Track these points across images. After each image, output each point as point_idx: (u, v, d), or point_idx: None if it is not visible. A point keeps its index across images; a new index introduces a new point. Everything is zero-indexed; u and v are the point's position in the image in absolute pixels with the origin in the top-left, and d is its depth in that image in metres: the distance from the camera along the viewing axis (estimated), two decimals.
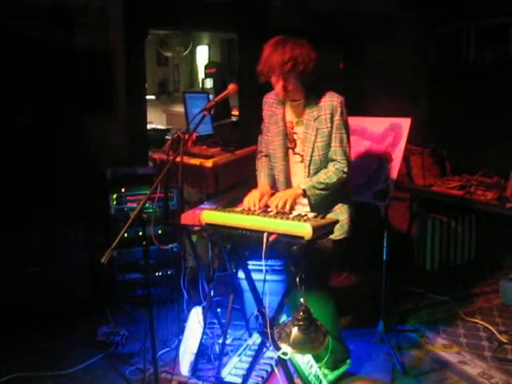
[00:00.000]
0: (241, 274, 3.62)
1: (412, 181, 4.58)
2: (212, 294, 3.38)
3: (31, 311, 3.72)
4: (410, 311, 3.96)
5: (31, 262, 3.81)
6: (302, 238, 2.28)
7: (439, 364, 3.28)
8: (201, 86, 9.21)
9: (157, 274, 4.10)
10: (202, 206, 3.03)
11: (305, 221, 2.32)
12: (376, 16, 5.03)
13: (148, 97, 9.53)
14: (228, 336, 3.52)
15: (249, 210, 2.57)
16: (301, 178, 2.78)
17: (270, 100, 2.89)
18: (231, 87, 2.74)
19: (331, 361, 2.97)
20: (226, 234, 2.49)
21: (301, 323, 2.39)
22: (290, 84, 2.63)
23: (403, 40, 5.22)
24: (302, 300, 2.42)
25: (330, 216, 2.72)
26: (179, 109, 9.63)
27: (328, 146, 2.74)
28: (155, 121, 9.79)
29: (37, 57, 4.09)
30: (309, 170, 2.76)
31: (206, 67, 9.24)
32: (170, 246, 3.51)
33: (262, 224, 2.39)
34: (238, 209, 2.59)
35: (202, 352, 3.30)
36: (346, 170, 2.75)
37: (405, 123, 3.37)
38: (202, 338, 3.16)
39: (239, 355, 3.30)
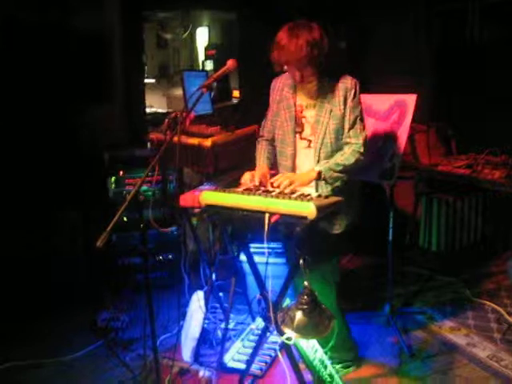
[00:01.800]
0: (243, 257, 3.55)
1: (417, 160, 4.48)
2: (214, 277, 3.31)
3: (30, 298, 3.64)
4: (417, 293, 3.88)
5: (29, 248, 3.73)
6: (305, 218, 2.18)
7: (447, 347, 3.21)
8: (201, 68, 9.07)
9: (157, 258, 4.01)
10: (202, 187, 2.94)
11: (308, 200, 2.22)
12: None
13: (148, 80, 9.41)
14: (231, 320, 3.45)
15: (250, 189, 2.47)
16: (308, 164, 2.68)
17: (279, 85, 2.81)
18: (230, 63, 2.62)
19: (338, 357, 2.92)
20: (226, 215, 2.39)
21: (305, 307, 2.30)
22: (307, 71, 2.57)
23: (407, 17, 5.08)
24: (305, 283, 2.33)
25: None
26: (179, 92, 9.50)
27: (340, 129, 2.65)
28: (156, 104, 9.65)
29: (31, 41, 3.96)
30: (319, 154, 2.67)
31: (206, 49, 9.09)
32: (170, 229, 3.42)
33: (263, 204, 2.28)
34: (239, 189, 2.49)
35: (204, 337, 3.23)
36: (362, 150, 2.65)
37: (410, 100, 3.25)
38: (203, 323, 3.09)
39: (242, 340, 3.24)
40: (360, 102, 2.66)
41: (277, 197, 2.30)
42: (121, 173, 3.84)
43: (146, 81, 9.24)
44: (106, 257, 3.87)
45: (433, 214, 4.62)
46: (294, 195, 2.34)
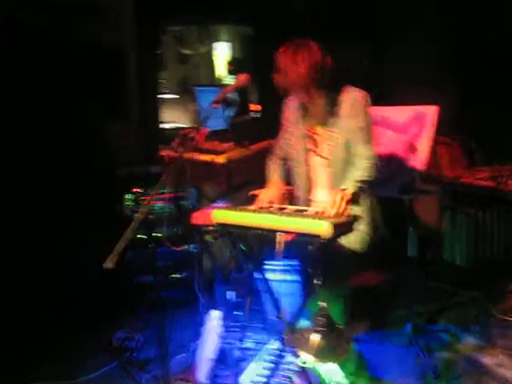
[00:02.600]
0: (260, 275, 3.47)
1: (440, 172, 4.35)
2: (229, 295, 3.24)
3: (43, 317, 3.61)
4: (440, 310, 3.75)
5: (43, 265, 3.71)
6: (318, 236, 2.10)
7: (474, 367, 3.07)
8: (222, 82, 9.05)
9: (173, 275, 3.95)
10: (215, 204, 2.88)
11: (322, 218, 2.14)
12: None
13: (170, 96, 9.43)
14: (248, 340, 3.37)
15: (262, 207, 2.40)
16: (325, 180, 2.61)
17: (291, 103, 2.77)
18: (242, 78, 2.59)
19: None
20: (238, 233, 2.33)
21: (321, 329, 2.22)
22: (312, 92, 2.54)
23: (430, 25, 4.96)
24: (322, 304, 2.25)
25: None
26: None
27: (349, 143, 2.57)
28: (179, 120, 9.64)
29: (44, 53, 3.96)
30: (330, 170, 2.59)
31: (228, 64, 9.08)
32: (184, 247, 3.36)
33: (276, 223, 2.22)
34: (251, 207, 2.43)
35: (221, 357, 3.15)
36: (375, 163, 2.57)
37: (430, 111, 3.16)
38: (219, 344, 3.01)
39: (259, 361, 3.14)
40: (368, 113, 2.58)
41: (289, 215, 2.23)
42: (136, 190, 3.80)
43: (169, 96, 9.30)
44: (121, 274, 3.82)
45: (457, 227, 4.47)
46: (309, 213, 2.27)
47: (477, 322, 3.55)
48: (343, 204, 2.31)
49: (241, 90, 4.94)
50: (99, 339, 3.52)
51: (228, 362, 3.16)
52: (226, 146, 2.92)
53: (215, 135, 3.16)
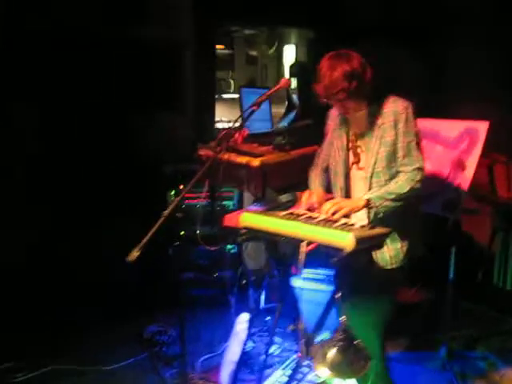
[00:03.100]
0: (296, 282, 3.44)
1: (494, 192, 4.16)
2: (261, 300, 3.23)
3: (83, 304, 3.72)
4: (482, 336, 3.58)
5: (87, 255, 3.82)
6: (342, 249, 2.05)
7: None
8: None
9: (212, 275, 3.97)
10: (250, 207, 2.87)
11: (348, 230, 2.08)
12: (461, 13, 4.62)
13: (231, 96, 9.51)
14: (277, 346, 3.34)
15: (291, 214, 2.36)
16: (363, 193, 2.52)
17: (334, 113, 2.69)
18: (283, 81, 2.56)
19: None
20: (263, 238, 2.31)
21: (339, 343, 2.17)
22: (348, 103, 2.45)
23: (490, 39, 4.75)
24: (341, 318, 2.19)
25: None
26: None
27: (391, 156, 2.46)
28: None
29: (103, 51, 4.08)
30: (370, 183, 2.49)
31: (291, 67, 9.06)
32: (218, 247, 3.37)
33: (300, 231, 2.18)
34: (282, 213, 2.39)
35: (247, 362, 3.14)
36: (417, 178, 2.43)
37: (482, 127, 3.02)
38: (244, 347, 2.99)
39: (284, 369, 3.11)
40: (415, 126, 2.46)
41: (316, 224, 2.18)
42: (181, 186, 3.84)
43: (230, 96, 9.39)
44: (161, 270, 3.88)
45: (509, 250, 4.27)
46: (337, 224, 2.21)
47: None
48: (331, 211, 2.28)
49: (306, 95, 4.91)
50: (134, 330, 3.58)
51: (253, 367, 3.16)
52: (263, 149, 2.90)
53: (257, 137, 3.15)
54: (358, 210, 2.41)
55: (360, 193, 2.54)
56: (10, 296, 3.64)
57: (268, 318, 3.32)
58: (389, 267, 2.49)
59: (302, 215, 2.36)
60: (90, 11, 4.05)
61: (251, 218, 2.35)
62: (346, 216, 2.34)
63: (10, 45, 3.82)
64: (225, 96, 8.93)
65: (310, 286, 3.34)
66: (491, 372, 3.16)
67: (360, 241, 2.04)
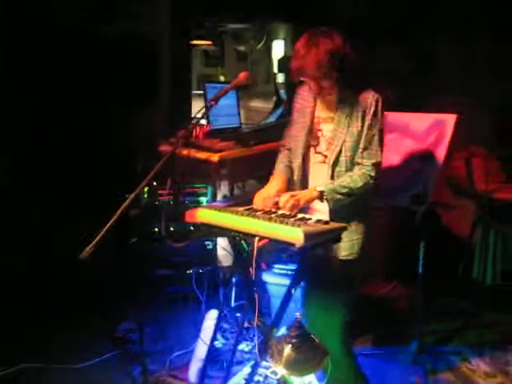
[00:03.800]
0: (268, 278, 3.42)
1: (472, 185, 4.13)
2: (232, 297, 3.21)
3: (54, 299, 3.71)
4: (457, 330, 3.55)
5: (59, 249, 3.80)
6: (293, 244, 2.02)
7: None
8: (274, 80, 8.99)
9: (188, 271, 3.94)
10: (215, 203, 2.84)
11: (298, 225, 2.05)
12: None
13: (198, 91, 9.44)
14: (248, 343, 3.32)
15: (250, 209, 2.33)
16: (322, 180, 2.48)
17: (302, 92, 2.62)
18: (241, 75, 2.52)
19: None
20: (217, 235, 2.29)
21: (293, 340, 2.13)
22: (325, 82, 2.38)
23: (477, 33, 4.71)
24: (296, 314, 2.16)
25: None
26: (256, 104, 9.55)
27: (356, 147, 2.43)
28: None
29: (78, 46, 4.05)
30: (332, 171, 2.45)
31: (279, 61, 9.01)
32: (185, 243, 3.35)
33: (253, 227, 2.15)
34: (241, 208, 2.36)
35: (216, 358, 3.12)
36: (372, 174, 2.41)
37: (450, 119, 2.99)
38: (212, 344, 2.97)
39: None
40: (382, 120, 2.42)
41: (268, 220, 2.15)
42: (154, 183, 3.81)
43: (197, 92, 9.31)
44: (136, 266, 3.86)
45: (489, 243, 4.24)
46: (293, 219, 2.18)
47: (493, 348, 3.34)
48: (288, 205, 2.26)
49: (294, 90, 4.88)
50: (106, 328, 3.57)
51: (222, 364, 3.14)
52: (224, 144, 2.86)
53: (224, 133, 3.12)
54: (312, 201, 2.39)
55: (318, 176, 2.51)
56: None
57: (238, 314, 3.29)
58: (344, 258, 2.46)
59: (260, 210, 2.34)
60: (65, 7, 4.03)
61: (207, 214, 2.32)
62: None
63: None
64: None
65: (281, 281, 3.33)
66: (462, 366, 3.14)
67: (310, 236, 2.01)
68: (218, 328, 2.97)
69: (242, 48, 9.78)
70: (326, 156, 2.50)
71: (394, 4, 4.78)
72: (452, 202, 4.37)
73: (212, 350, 2.99)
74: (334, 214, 2.40)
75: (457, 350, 3.30)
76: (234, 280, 3.23)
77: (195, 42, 8.50)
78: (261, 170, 2.97)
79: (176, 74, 4.37)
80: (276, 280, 3.34)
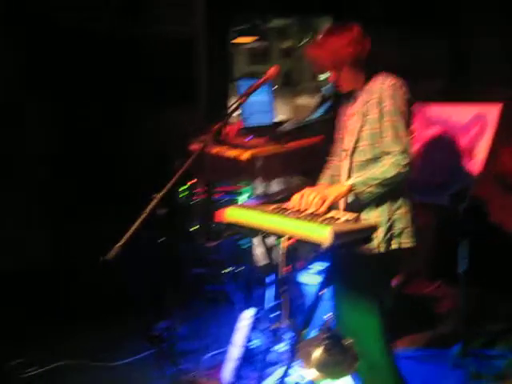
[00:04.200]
0: (304, 278, 3.35)
1: None
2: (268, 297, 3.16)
3: (93, 297, 3.76)
4: (504, 333, 3.38)
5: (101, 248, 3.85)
6: (320, 244, 1.96)
7: None
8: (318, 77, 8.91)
9: (225, 270, 3.91)
10: (247, 201, 2.80)
11: (326, 224, 1.99)
12: None
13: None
14: (282, 344, 3.26)
15: (280, 208, 2.28)
16: (343, 176, 2.41)
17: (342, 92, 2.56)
18: (271, 70, 2.46)
19: None
20: (246, 234, 2.25)
21: (323, 343, 2.08)
22: (341, 75, 2.37)
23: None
24: (327, 316, 2.10)
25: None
26: (304, 100, 9.48)
27: (377, 135, 2.31)
28: (279, 113, 9.62)
29: (114, 45, 4.09)
30: (351, 161, 2.37)
31: None
32: (217, 242, 3.32)
33: (281, 226, 2.10)
34: (271, 207, 2.31)
35: (250, 359, 3.08)
36: (405, 162, 2.26)
37: (492, 112, 2.85)
38: (247, 344, 2.94)
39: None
40: (403, 105, 2.30)
41: (297, 218, 2.09)
42: (191, 182, 3.80)
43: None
44: (176, 265, 3.86)
45: None
46: (322, 217, 2.11)
47: None
48: (315, 202, 2.16)
49: None
50: (144, 326, 3.58)
51: (257, 364, 3.09)
52: (256, 141, 2.81)
53: (258, 130, 3.07)
54: (343, 197, 2.30)
55: (344, 174, 2.43)
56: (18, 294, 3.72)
57: (272, 314, 3.23)
58: (377, 251, 2.33)
59: (290, 209, 2.28)
60: (100, 9, 4.08)
61: (235, 213, 2.28)
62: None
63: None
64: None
65: (316, 281, 3.25)
66: (509, 372, 2.98)
67: (339, 235, 1.93)
68: (252, 328, 2.94)
69: (286, 45, 9.74)
70: (346, 150, 2.43)
71: None
72: (501, 199, 4.19)
73: (247, 350, 2.97)
74: (350, 208, 2.32)
75: (503, 353, 3.15)
76: (268, 279, 3.17)
77: (239, 39, 8.54)
78: (296, 167, 2.92)
79: (214, 72, 4.34)
80: (311, 280, 3.28)
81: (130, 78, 4.13)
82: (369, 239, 2.17)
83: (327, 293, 2.52)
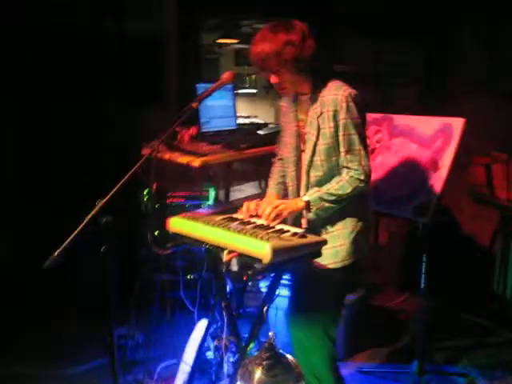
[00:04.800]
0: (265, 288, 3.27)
1: (492, 193, 3.88)
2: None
3: (48, 300, 3.63)
4: (468, 349, 3.32)
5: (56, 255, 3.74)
6: (260, 260, 1.87)
7: None
8: None
9: (188, 277, 3.81)
10: (199, 210, 2.71)
11: (267, 239, 1.90)
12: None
13: (247, 91, 9.32)
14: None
15: (228, 219, 2.19)
16: (307, 186, 2.32)
17: (286, 96, 2.43)
18: (226, 75, 2.37)
19: None
20: (190, 244, 2.16)
21: (264, 362, 1.98)
22: (282, 77, 2.21)
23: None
24: (270, 333, 2.01)
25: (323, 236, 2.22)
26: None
27: (332, 150, 2.23)
28: (261, 115, 9.51)
29: (83, 44, 3.98)
30: (308, 176, 2.29)
31: None
32: (169, 251, 3.22)
33: (222, 238, 2.01)
34: (219, 217, 2.22)
35: (205, 370, 2.99)
36: (362, 177, 2.21)
37: (457, 124, 2.77)
38: (197, 355, 2.84)
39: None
40: (358, 117, 2.20)
41: (238, 232, 2.00)
42: (154, 186, 3.70)
43: (245, 91, 9.20)
44: (135, 271, 3.76)
45: (510, 255, 3.97)
46: (264, 231, 2.02)
47: (505, 370, 3.10)
48: (271, 216, 2.14)
49: None
50: (102, 333, 3.48)
51: (211, 377, 3.01)
52: (210, 148, 2.71)
53: (218, 136, 2.98)
54: (298, 211, 2.23)
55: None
56: None
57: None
58: (329, 267, 2.26)
59: (237, 220, 2.20)
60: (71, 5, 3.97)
61: (179, 223, 2.21)
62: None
63: None
64: (241, 91, 8.80)
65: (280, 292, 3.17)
66: None
67: (279, 252, 1.85)
68: (205, 338, 2.85)
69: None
70: (305, 164, 2.33)
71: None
72: (472, 210, 4.15)
73: (200, 361, 2.88)
74: (314, 221, 2.25)
75: (464, 371, 3.08)
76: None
77: (222, 40, 8.44)
78: (258, 174, 2.83)
79: (185, 73, 4.24)
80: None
81: (98, 76, 4.03)
82: (316, 255, 2.10)
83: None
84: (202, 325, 3.01)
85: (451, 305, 3.75)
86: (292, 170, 2.39)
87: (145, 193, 3.72)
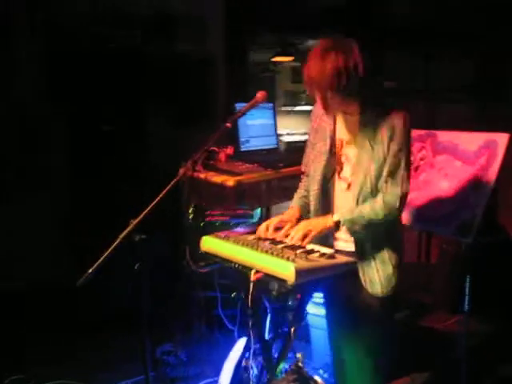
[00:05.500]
0: (311, 309, 3.24)
1: None
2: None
3: (94, 316, 3.74)
4: None
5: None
6: (285, 281, 1.86)
7: None
8: None
9: (232, 295, 3.83)
10: (236, 229, 2.72)
11: (293, 260, 1.88)
12: None
13: (304, 108, 9.29)
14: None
15: (256, 239, 2.19)
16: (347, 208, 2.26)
17: (319, 111, 2.34)
18: (259, 95, 2.38)
19: None
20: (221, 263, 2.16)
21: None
22: (332, 99, 2.13)
23: None
24: (298, 355, 1.99)
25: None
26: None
27: (380, 171, 2.18)
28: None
29: (135, 66, 4.12)
30: (357, 199, 2.21)
31: None
32: (209, 268, 3.24)
33: (250, 259, 2.01)
34: (250, 237, 2.22)
35: None
36: (397, 205, 2.15)
37: (501, 140, 2.67)
38: (234, 374, 2.84)
39: None
40: (409, 143, 2.16)
41: (265, 252, 1.99)
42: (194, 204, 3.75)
43: (302, 108, 9.18)
44: (183, 288, 3.81)
45: None
46: (292, 252, 2.00)
47: None
48: (298, 236, 2.11)
49: None
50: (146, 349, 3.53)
51: None
52: (246, 167, 2.72)
53: (251, 155, 2.99)
54: (327, 231, 2.19)
55: (344, 204, 2.26)
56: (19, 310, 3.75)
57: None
58: (380, 296, 2.22)
59: (267, 240, 2.19)
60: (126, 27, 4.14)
61: (210, 243, 2.22)
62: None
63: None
64: (297, 109, 8.78)
65: (320, 311, 3.13)
66: None
67: (303, 273, 1.84)
68: (243, 357, 2.84)
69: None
70: (350, 183, 2.28)
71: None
72: None
73: (237, 380, 2.87)
74: (361, 242, 2.20)
75: None
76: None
77: (278, 58, 8.51)
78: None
79: (231, 92, 4.30)
80: (315, 310, 3.18)
81: (148, 94, 4.16)
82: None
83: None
84: (240, 343, 3.01)
85: (505, 330, 3.56)
86: (315, 189, 2.32)
87: (190, 211, 3.79)
